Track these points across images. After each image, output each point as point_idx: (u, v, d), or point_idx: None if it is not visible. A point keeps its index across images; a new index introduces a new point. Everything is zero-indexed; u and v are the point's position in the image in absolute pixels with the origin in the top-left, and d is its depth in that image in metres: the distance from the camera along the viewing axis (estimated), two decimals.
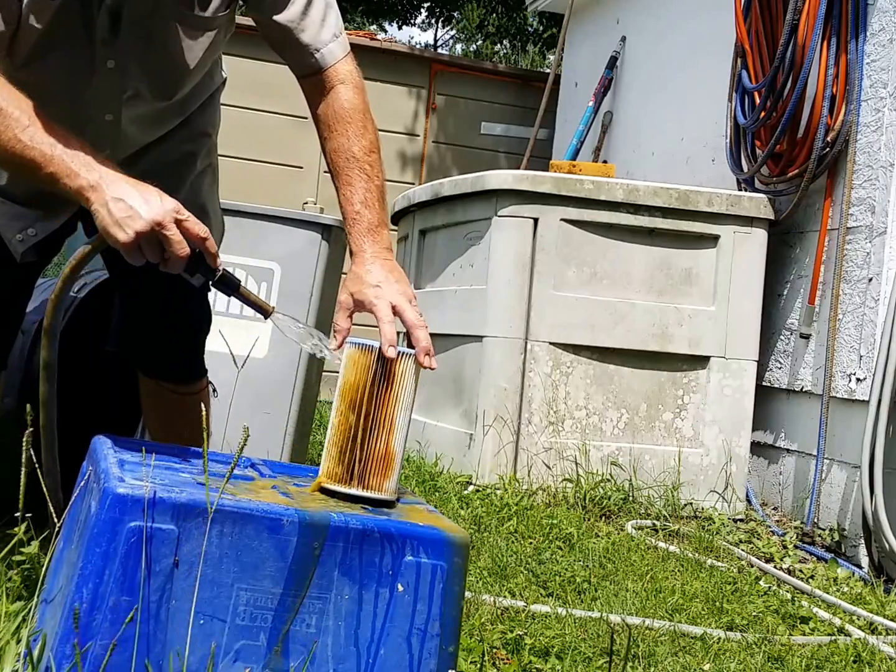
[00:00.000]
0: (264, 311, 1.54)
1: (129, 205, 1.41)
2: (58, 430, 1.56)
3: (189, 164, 1.97)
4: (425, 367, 1.48)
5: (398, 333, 1.54)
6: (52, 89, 1.66)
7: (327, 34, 1.72)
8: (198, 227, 1.45)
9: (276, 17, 1.70)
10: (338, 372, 1.48)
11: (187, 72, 1.76)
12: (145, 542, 1.23)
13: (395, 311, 1.54)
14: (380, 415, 1.43)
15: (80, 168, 1.44)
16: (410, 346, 1.51)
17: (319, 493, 1.45)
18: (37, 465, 1.46)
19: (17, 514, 1.63)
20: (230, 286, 1.52)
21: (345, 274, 1.65)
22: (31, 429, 1.44)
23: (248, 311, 3.28)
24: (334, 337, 1.55)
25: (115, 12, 1.64)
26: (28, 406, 1.48)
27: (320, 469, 1.48)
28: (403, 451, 1.47)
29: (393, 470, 1.44)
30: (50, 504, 1.50)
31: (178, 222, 1.43)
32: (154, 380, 2.11)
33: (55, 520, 1.46)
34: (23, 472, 1.44)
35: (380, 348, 1.44)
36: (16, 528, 1.58)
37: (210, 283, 1.52)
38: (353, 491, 1.43)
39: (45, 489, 1.49)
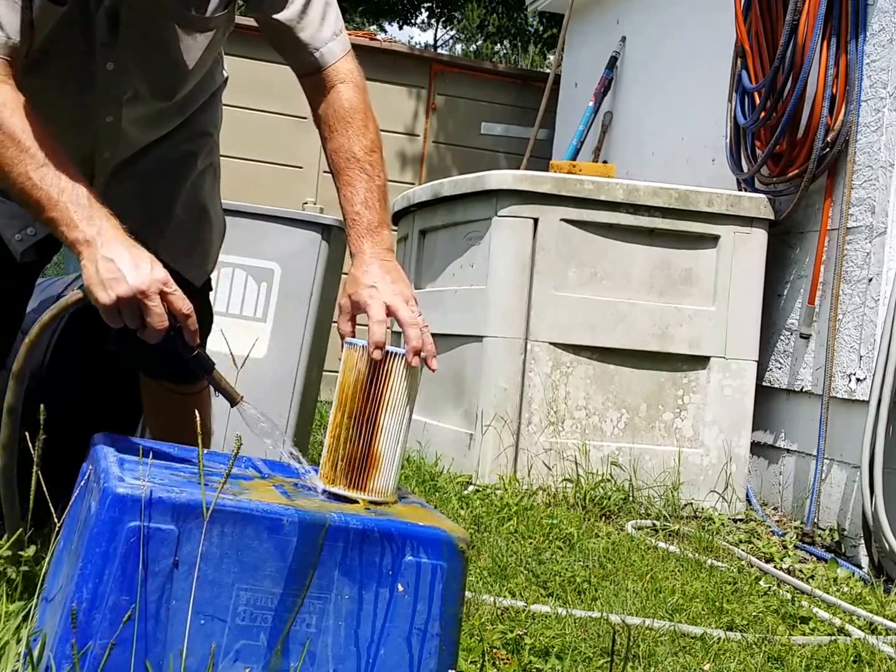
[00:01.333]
0: (232, 400, 1.52)
1: (118, 267, 1.41)
2: (56, 431, 1.56)
3: (190, 164, 1.97)
4: (413, 368, 1.46)
5: (398, 334, 1.54)
6: (52, 93, 1.66)
7: (327, 33, 1.72)
8: (182, 303, 1.45)
9: (275, 16, 1.69)
10: (339, 372, 1.48)
11: (186, 72, 1.76)
12: (143, 541, 1.23)
13: (390, 311, 1.52)
14: (368, 416, 1.43)
15: (81, 220, 1.44)
16: None
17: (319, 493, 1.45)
18: (36, 465, 1.46)
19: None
20: (204, 367, 1.51)
21: (345, 274, 1.65)
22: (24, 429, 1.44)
23: (248, 311, 3.31)
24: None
25: (113, 14, 1.64)
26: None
27: (319, 469, 1.48)
28: (401, 452, 1.46)
29: (379, 471, 1.43)
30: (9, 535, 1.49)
31: (164, 294, 1.43)
32: (155, 379, 2.11)
33: (56, 520, 1.46)
34: (34, 474, 1.44)
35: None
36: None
37: (185, 360, 1.50)
38: (339, 490, 1.43)
39: (45, 491, 1.49)
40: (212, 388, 1.56)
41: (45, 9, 1.56)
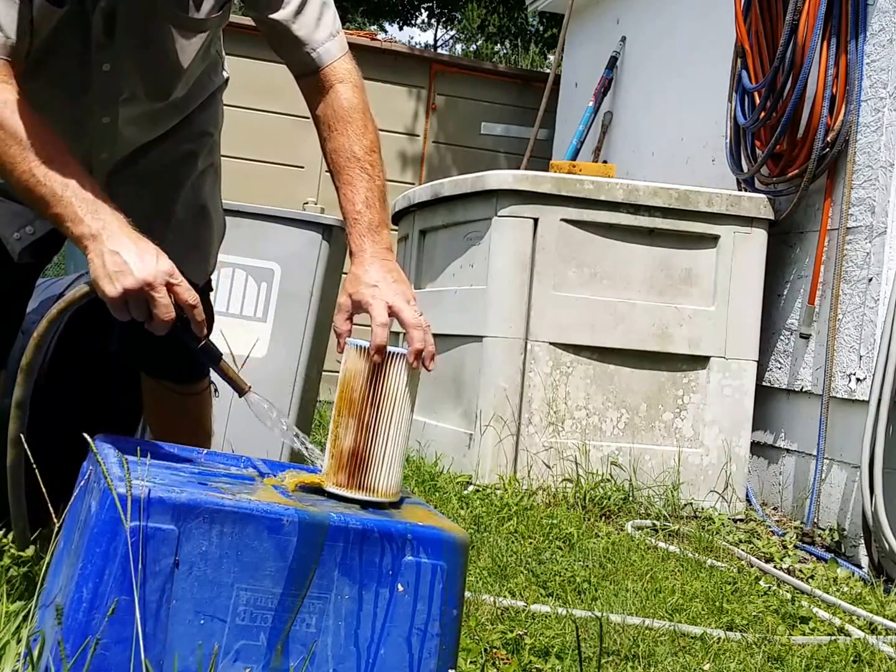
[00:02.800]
0: (240, 390, 1.52)
1: (124, 260, 1.41)
2: (57, 431, 1.57)
3: (190, 164, 1.97)
4: (415, 369, 1.45)
5: (398, 334, 1.53)
6: (48, 94, 1.66)
7: (323, 33, 1.72)
8: (188, 294, 1.45)
9: (271, 16, 1.70)
10: (339, 372, 1.48)
11: (181, 72, 1.77)
12: (141, 541, 1.23)
13: (392, 312, 1.52)
14: (369, 416, 1.43)
15: (86, 215, 1.45)
16: None
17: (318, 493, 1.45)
18: (35, 466, 1.46)
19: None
20: (211, 358, 1.52)
21: (345, 274, 1.65)
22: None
23: (249, 310, 3.31)
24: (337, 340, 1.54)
25: (109, 15, 1.64)
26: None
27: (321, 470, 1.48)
28: (402, 452, 1.46)
29: (381, 471, 1.43)
30: (12, 534, 1.49)
31: (170, 286, 1.43)
32: (156, 379, 2.11)
33: (56, 519, 1.46)
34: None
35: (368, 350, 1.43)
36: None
37: (192, 350, 1.51)
38: (340, 491, 1.43)
39: (45, 491, 1.49)
40: (216, 381, 1.56)
41: (44, 10, 1.57)
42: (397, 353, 1.44)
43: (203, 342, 1.49)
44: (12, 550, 1.60)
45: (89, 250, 1.44)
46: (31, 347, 1.51)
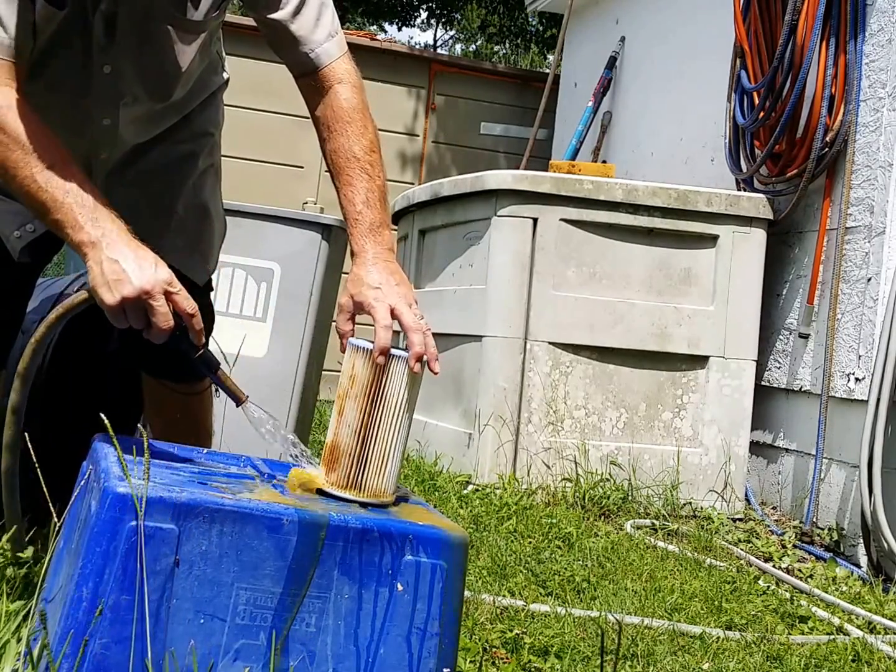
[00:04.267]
0: (237, 399, 1.53)
1: (123, 268, 1.42)
2: (57, 431, 1.57)
3: (191, 164, 1.97)
4: (416, 373, 1.45)
5: (397, 333, 1.53)
6: (48, 96, 1.66)
7: (322, 33, 1.72)
8: (186, 303, 1.45)
9: (270, 16, 1.70)
10: (339, 371, 1.48)
11: (180, 73, 1.77)
12: (141, 540, 1.24)
13: (394, 314, 1.53)
14: (369, 417, 1.43)
15: (86, 222, 1.45)
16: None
17: (317, 493, 1.45)
18: (36, 465, 1.46)
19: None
20: (209, 366, 1.52)
21: (345, 274, 1.65)
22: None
23: (248, 311, 3.31)
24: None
25: (110, 17, 1.65)
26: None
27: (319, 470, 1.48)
28: (401, 454, 1.46)
29: (379, 471, 1.42)
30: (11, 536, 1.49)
31: (168, 294, 1.44)
32: (156, 379, 2.12)
33: (56, 519, 1.46)
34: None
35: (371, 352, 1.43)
36: (15, 528, 1.58)
37: (190, 359, 1.51)
38: (338, 491, 1.43)
39: (45, 491, 1.50)
40: (214, 388, 1.56)
41: (45, 12, 1.57)
42: (399, 356, 1.44)
43: (201, 351, 1.49)
44: (9, 553, 1.60)
45: (88, 258, 1.44)
46: (29, 353, 1.51)
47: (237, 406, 1.53)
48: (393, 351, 1.44)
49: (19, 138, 1.47)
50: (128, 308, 1.43)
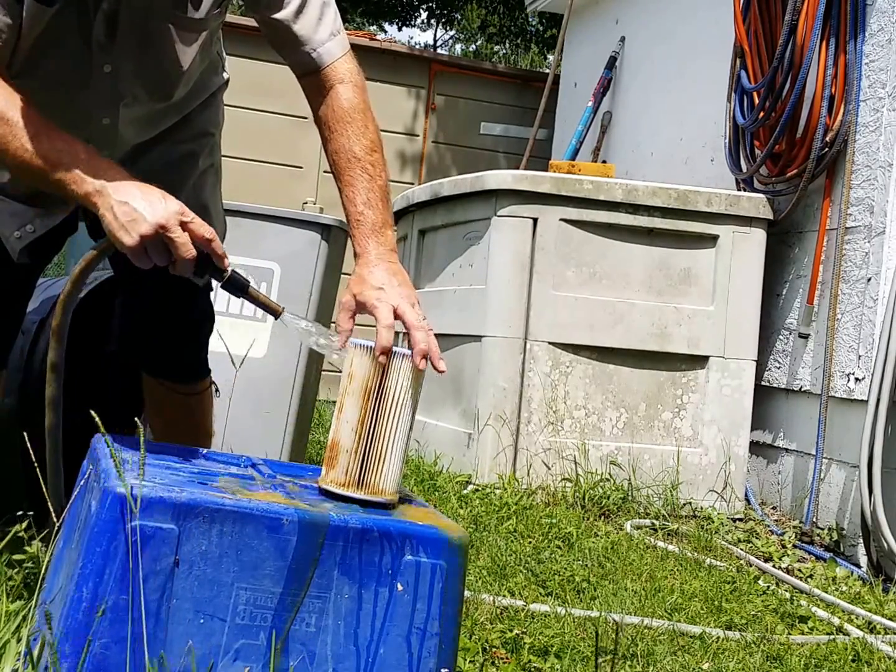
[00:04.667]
0: (274, 312, 1.54)
1: (134, 208, 1.42)
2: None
3: (191, 164, 1.97)
4: (420, 370, 1.46)
5: (399, 334, 1.54)
6: (48, 96, 1.66)
7: (324, 33, 1.72)
8: (203, 229, 1.46)
9: (272, 16, 1.70)
10: (339, 371, 1.48)
11: (181, 72, 1.77)
12: (139, 540, 1.24)
13: (397, 314, 1.53)
14: (371, 416, 1.43)
15: (87, 173, 1.46)
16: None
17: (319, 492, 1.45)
18: (36, 465, 1.46)
19: (18, 512, 1.63)
20: (239, 287, 1.53)
21: (345, 274, 1.65)
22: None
23: (248, 311, 3.31)
24: (338, 338, 1.55)
25: (111, 16, 1.64)
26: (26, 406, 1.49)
27: (321, 469, 1.48)
28: (403, 452, 1.46)
29: (381, 470, 1.43)
30: (50, 505, 1.50)
31: (183, 224, 1.44)
32: (157, 379, 2.12)
33: (55, 519, 1.46)
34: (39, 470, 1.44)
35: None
36: (15, 527, 1.58)
37: (219, 284, 1.52)
38: (340, 490, 1.43)
39: (45, 490, 1.50)
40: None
41: (34, 10, 1.57)
42: (403, 353, 1.45)
43: (228, 273, 1.50)
44: (25, 549, 1.60)
45: (98, 206, 1.45)
46: (60, 310, 1.53)
47: (275, 318, 1.54)
48: (395, 349, 1.44)
49: (3, 114, 1.48)
50: (148, 245, 1.43)
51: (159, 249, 1.44)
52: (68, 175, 1.46)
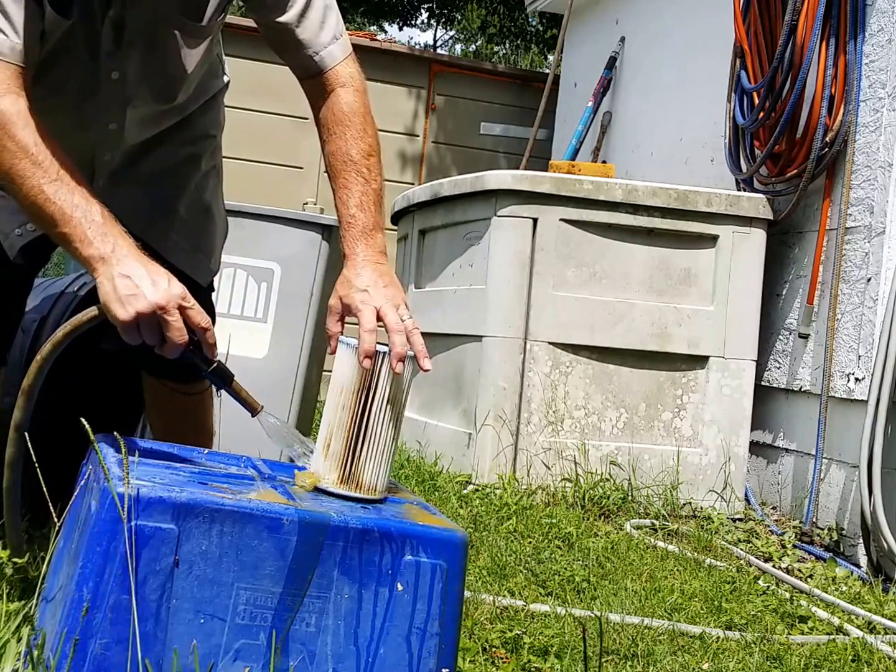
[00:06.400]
0: (252, 409, 1.53)
1: (136, 283, 1.41)
2: (57, 431, 1.57)
3: (193, 166, 1.97)
4: (398, 374, 1.46)
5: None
6: (55, 103, 1.66)
7: (327, 36, 1.72)
8: (200, 317, 1.45)
9: (275, 19, 1.70)
10: None
11: (186, 76, 1.78)
12: (139, 541, 1.24)
13: (379, 316, 1.53)
14: (359, 415, 1.44)
15: (95, 237, 1.44)
16: None
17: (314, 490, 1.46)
18: (36, 465, 1.46)
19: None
20: (223, 379, 1.52)
21: None
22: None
23: (249, 311, 3.31)
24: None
25: (118, 24, 1.65)
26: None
27: (311, 466, 1.50)
28: (391, 450, 1.47)
29: (369, 468, 1.44)
30: (8, 541, 1.49)
31: (182, 309, 1.43)
32: (157, 378, 2.12)
33: (56, 520, 1.47)
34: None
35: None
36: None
37: (203, 373, 1.51)
38: (329, 487, 1.44)
39: (45, 491, 1.50)
40: (216, 389, 1.56)
41: (53, 20, 1.57)
42: (387, 353, 1.46)
43: (215, 364, 1.49)
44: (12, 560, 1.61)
45: (99, 273, 1.43)
46: (34, 371, 1.48)
47: (252, 416, 1.53)
48: (380, 348, 1.45)
49: (27, 148, 1.46)
50: (142, 323, 1.42)
51: (152, 329, 1.43)
52: (76, 232, 1.44)
